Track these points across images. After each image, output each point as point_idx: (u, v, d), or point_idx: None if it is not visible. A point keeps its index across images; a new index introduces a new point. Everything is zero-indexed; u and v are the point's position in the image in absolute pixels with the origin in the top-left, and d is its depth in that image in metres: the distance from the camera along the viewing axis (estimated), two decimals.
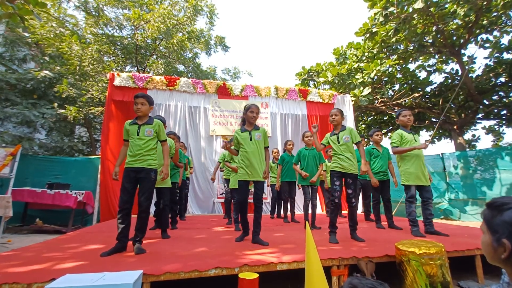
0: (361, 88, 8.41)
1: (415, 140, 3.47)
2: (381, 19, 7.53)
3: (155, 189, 3.40)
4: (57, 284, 1.47)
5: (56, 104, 7.78)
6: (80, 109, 8.17)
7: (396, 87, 10.52)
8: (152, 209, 5.02)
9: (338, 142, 3.07)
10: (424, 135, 14.72)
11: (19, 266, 1.97)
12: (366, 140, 5.04)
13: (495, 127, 11.56)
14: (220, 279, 2.08)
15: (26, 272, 1.84)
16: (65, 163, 6.45)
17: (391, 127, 12.85)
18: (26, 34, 8.55)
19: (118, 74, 6.54)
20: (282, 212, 5.27)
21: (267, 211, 6.55)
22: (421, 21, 8.16)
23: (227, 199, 4.96)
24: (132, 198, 2.55)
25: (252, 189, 3.01)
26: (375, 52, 9.35)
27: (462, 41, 8.59)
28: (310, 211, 4.18)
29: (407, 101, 9.72)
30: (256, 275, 1.75)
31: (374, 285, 0.80)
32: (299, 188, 4.49)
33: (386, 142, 9.43)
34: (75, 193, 5.42)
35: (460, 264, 2.59)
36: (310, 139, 4.20)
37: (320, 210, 6.87)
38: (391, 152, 3.94)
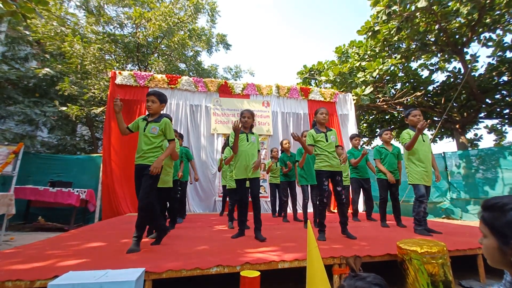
0: (363, 87, 8.38)
1: (424, 141, 3.47)
2: (384, 17, 7.48)
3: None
4: (60, 281, 1.48)
5: (57, 102, 7.80)
6: (82, 107, 8.19)
7: (398, 85, 10.49)
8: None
9: (327, 141, 3.08)
10: (426, 134, 14.68)
11: (22, 263, 1.98)
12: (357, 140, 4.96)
13: (498, 126, 11.53)
14: (222, 277, 2.09)
15: (29, 269, 1.85)
16: (67, 161, 6.48)
17: (392, 126, 12.81)
18: (28, 32, 8.56)
19: (119, 73, 6.54)
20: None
21: (268, 209, 6.56)
22: (424, 19, 8.11)
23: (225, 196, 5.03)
24: None
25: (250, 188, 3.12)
26: (377, 51, 9.31)
27: (464, 39, 8.54)
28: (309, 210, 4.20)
29: (409, 100, 9.69)
30: (257, 273, 1.76)
31: (379, 283, 0.81)
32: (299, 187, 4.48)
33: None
34: (77, 191, 5.44)
35: (462, 263, 2.58)
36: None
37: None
38: (402, 152, 3.95)
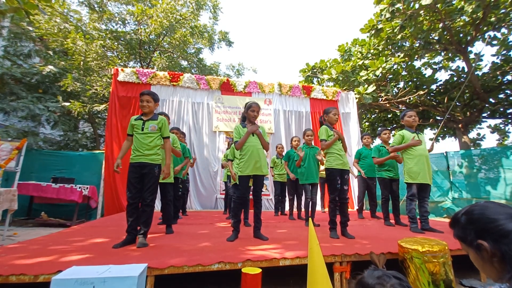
0: (366, 86, 8.34)
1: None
2: (388, 15, 7.43)
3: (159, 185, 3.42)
4: (64, 276, 1.49)
5: (60, 98, 7.83)
6: (85, 104, 8.21)
7: (401, 84, 10.42)
8: (159, 204, 5.05)
9: (339, 140, 3.10)
10: (429, 134, 14.63)
11: (25, 258, 2.00)
12: (372, 137, 5.11)
13: (501, 126, 11.45)
14: (224, 273, 2.10)
15: (33, 264, 1.87)
16: (70, 157, 6.51)
17: (394, 125, 12.77)
18: (31, 29, 8.58)
19: (122, 70, 6.55)
20: (287, 209, 5.26)
21: (270, 207, 6.57)
22: (428, 17, 8.05)
23: (228, 194, 5.02)
24: (139, 193, 2.60)
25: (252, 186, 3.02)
26: (380, 49, 9.26)
27: (469, 38, 8.46)
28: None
29: (411, 98, 9.63)
30: (259, 270, 1.77)
31: (400, 277, 0.85)
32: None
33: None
34: (79, 187, 5.48)
35: (463, 262, 2.58)
36: (311, 138, 4.16)
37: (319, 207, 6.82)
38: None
